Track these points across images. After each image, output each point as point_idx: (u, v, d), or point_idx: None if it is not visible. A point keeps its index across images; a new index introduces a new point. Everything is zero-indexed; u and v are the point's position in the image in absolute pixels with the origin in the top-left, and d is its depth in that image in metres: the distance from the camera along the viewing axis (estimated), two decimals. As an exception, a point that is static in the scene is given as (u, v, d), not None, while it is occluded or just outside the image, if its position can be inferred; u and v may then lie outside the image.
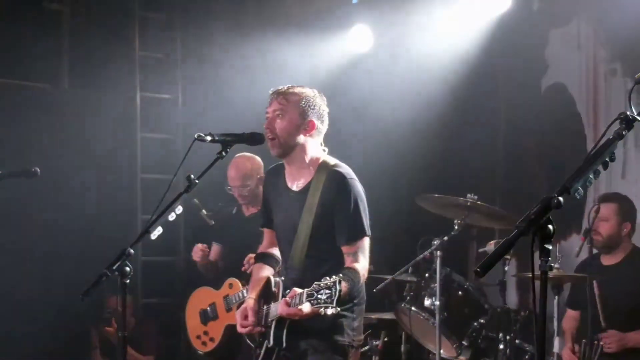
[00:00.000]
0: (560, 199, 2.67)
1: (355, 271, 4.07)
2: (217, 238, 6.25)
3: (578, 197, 2.77)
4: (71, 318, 7.18)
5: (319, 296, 3.78)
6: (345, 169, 4.27)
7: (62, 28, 8.30)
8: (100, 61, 8.26)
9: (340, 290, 3.76)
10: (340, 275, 3.87)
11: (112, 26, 8.42)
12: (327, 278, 3.81)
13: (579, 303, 5.78)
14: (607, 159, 2.82)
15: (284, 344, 4.15)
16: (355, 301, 4.23)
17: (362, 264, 4.14)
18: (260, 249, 4.61)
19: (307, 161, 4.27)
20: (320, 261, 4.22)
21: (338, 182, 4.19)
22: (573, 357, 5.65)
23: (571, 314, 5.94)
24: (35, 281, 7.42)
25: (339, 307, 3.79)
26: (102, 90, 8.32)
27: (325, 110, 4.31)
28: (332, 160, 4.30)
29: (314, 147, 4.29)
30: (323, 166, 4.26)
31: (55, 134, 7.88)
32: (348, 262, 4.14)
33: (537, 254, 2.68)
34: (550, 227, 2.66)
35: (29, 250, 7.52)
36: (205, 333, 5.99)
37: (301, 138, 4.23)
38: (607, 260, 5.78)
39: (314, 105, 4.25)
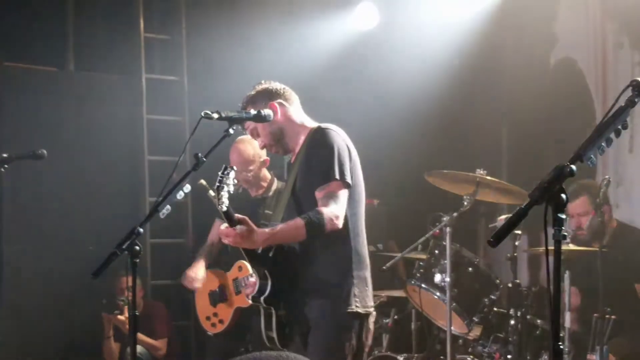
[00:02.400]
0: (573, 167, 2.64)
1: (318, 212, 4.03)
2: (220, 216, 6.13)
3: (591, 166, 2.75)
4: (83, 305, 7.18)
5: (221, 193, 3.99)
6: (328, 126, 4.28)
7: (67, 11, 8.25)
8: (106, 44, 8.25)
9: (227, 172, 3.94)
10: (298, 220, 3.99)
11: (116, 8, 8.39)
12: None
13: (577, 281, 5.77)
14: (619, 127, 2.79)
15: (267, 294, 4.18)
16: (353, 266, 4.18)
17: (330, 208, 4.05)
18: None
19: (300, 134, 4.31)
20: (298, 210, 4.20)
21: (314, 135, 4.24)
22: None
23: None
24: (43, 266, 7.40)
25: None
26: (108, 72, 8.31)
27: (275, 87, 4.38)
28: (320, 125, 4.32)
29: (298, 117, 4.36)
30: (310, 131, 4.31)
31: (62, 117, 7.86)
32: (318, 205, 4.09)
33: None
34: (564, 195, 2.64)
35: (36, 234, 7.50)
36: (215, 315, 5.96)
37: (278, 123, 4.30)
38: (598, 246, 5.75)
39: (261, 92, 4.36)
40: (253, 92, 4.39)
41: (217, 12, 8.50)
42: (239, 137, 5.80)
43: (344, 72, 7.69)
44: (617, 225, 5.85)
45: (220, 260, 6.11)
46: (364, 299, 4.21)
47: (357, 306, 4.16)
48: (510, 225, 2.64)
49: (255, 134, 4.38)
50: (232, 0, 8.51)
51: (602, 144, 2.76)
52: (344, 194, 4.11)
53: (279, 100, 4.33)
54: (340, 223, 4.07)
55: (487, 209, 7.33)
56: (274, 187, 5.86)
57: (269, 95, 4.34)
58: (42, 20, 8.00)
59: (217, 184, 4.01)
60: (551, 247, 2.65)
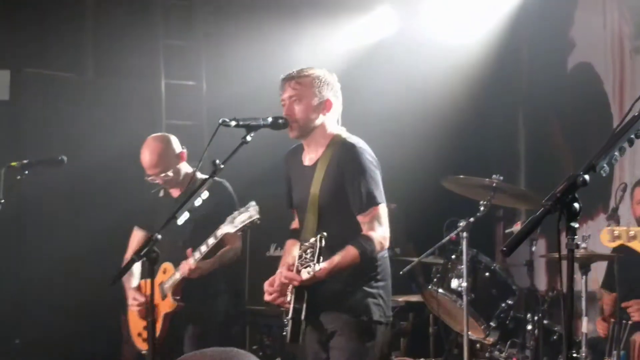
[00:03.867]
0: (586, 176, 2.66)
1: (368, 238, 4.08)
2: (142, 223, 5.69)
3: (604, 175, 2.76)
4: (102, 309, 7.22)
5: (305, 256, 3.85)
6: (355, 140, 4.30)
7: (85, 17, 8.31)
8: (125, 49, 8.28)
9: (321, 247, 3.82)
10: (324, 234, 3.92)
11: (135, 14, 8.43)
12: (314, 238, 3.89)
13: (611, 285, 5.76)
14: (632, 136, 2.80)
15: (303, 316, 4.16)
16: (378, 277, 4.22)
17: (379, 232, 4.14)
18: (292, 225, 4.65)
19: (323, 137, 4.31)
20: (332, 233, 4.22)
21: (346, 152, 4.23)
22: (604, 325, 5.60)
23: (608, 297, 5.88)
24: (62, 272, 7.45)
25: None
26: (127, 78, 8.34)
27: (338, 86, 4.36)
28: (345, 134, 4.33)
29: (331, 124, 4.33)
30: (334, 139, 4.30)
31: (81, 123, 7.91)
32: (364, 230, 4.15)
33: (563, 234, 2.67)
34: (577, 205, 2.65)
35: (56, 240, 7.55)
36: (145, 328, 5.29)
37: (320, 118, 4.27)
38: None
39: (327, 84, 4.30)
40: (322, 74, 4.31)
41: (235, 18, 8.53)
42: (151, 135, 5.64)
43: (361, 77, 7.69)
44: None
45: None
46: (386, 308, 4.27)
47: (380, 316, 4.22)
48: (523, 234, 2.65)
49: (293, 101, 4.27)
50: (250, 6, 8.54)
51: (616, 153, 2.77)
52: (385, 214, 4.23)
53: (337, 103, 4.34)
54: (387, 243, 4.21)
55: (504, 213, 7.33)
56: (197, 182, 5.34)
57: (333, 92, 4.32)
58: (61, 27, 8.04)
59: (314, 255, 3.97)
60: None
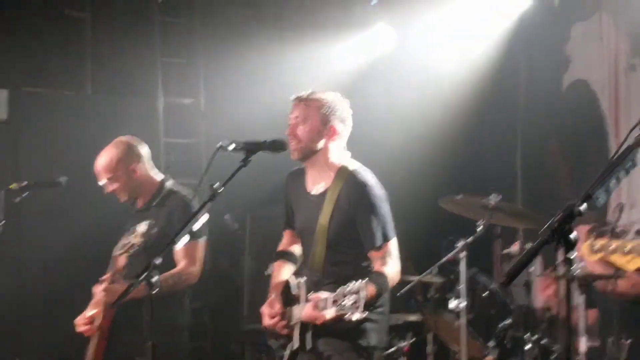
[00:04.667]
0: (583, 207, 2.69)
1: (383, 275, 4.10)
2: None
3: (600, 205, 2.79)
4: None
5: (345, 302, 3.80)
6: (364, 174, 4.30)
7: (84, 35, 8.34)
8: (123, 67, 8.32)
9: (366, 296, 3.78)
10: (367, 279, 3.89)
11: (133, 32, 8.46)
12: (353, 282, 3.83)
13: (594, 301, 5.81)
14: (628, 166, 2.83)
15: (309, 346, 4.18)
16: (377, 303, 4.24)
17: (391, 268, 4.18)
18: (280, 247, 4.65)
19: (327, 165, 4.31)
20: (340, 265, 4.26)
21: (356, 188, 4.24)
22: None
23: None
24: (61, 288, 7.44)
25: (365, 311, 3.82)
26: (125, 95, 8.37)
27: (347, 113, 4.36)
28: (352, 165, 4.33)
29: (336, 151, 4.34)
30: (342, 171, 4.31)
31: (80, 141, 7.92)
32: (377, 266, 4.17)
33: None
34: (573, 235, 2.68)
35: (56, 257, 7.55)
36: None
37: (322, 143, 4.29)
38: None
39: (336, 110, 4.30)
40: (333, 99, 4.32)
41: (234, 36, 8.56)
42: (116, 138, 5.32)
43: (359, 96, 7.72)
44: None
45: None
46: (383, 334, 4.34)
47: (378, 341, 4.28)
48: (522, 265, 2.68)
49: (299, 122, 4.28)
50: (249, 24, 8.58)
51: (612, 183, 2.80)
52: (396, 248, 4.27)
53: (343, 131, 4.34)
54: (399, 278, 4.25)
55: (503, 231, 7.34)
56: (165, 190, 5.21)
57: (340, 119, 4.32)
58: (59, 45, 8.08)
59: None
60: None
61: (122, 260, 4.89)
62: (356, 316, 3.80)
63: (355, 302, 3.77)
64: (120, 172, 5.15)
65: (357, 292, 3.79)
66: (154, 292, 3.92)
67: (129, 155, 5.18)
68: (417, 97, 7.73)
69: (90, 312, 4.99)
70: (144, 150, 5.29)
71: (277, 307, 4.29)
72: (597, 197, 2.76)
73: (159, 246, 4.68)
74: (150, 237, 4.84)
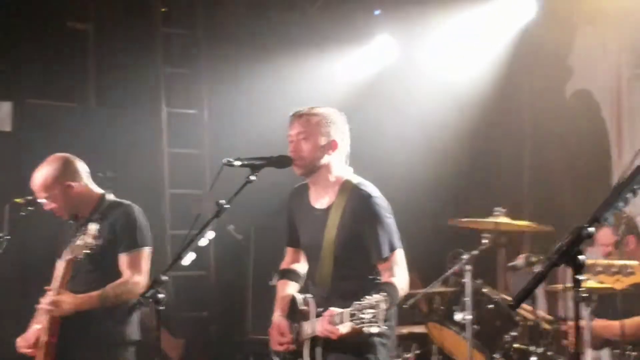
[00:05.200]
0: (591, 229, 2.70)
1: (393, 286, 4.09)
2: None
3: (609, 225, 2.80)
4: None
5: (363, 316, 3.81)
6: (368, 187, 4.30)
7: (87, 47, 8.37)
8: (126, 78, 8.32)
9: (385, 309, 3.80)
10: (384, 294, 3.90)
11: (136, 43, 8.47)
12: (368, 297, 3.83)
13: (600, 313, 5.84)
14: (636, 187, 2.84)
15: None
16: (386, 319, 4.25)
17: (400, 277, 4.16)
18: (283, 265, 4.63)
19: (331, 180, 4.32)
20: (348, 279, 4.25)
21: (361, 201, 4.23)
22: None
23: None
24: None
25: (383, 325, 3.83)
26: (129, 107, 8.38)
27: (346, 127, 4.36)
28: (355, 179, 4.34)
29: (338, 165, 4.34)
30: (346, 185, 4.30)
31: (83, 152, 7.91)
32: (386, 277, 4.17)
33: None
34: (582, 257, 2.69)
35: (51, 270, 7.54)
36: None
37: (326, 158, 4.29)
38: None
39: (335, 124, 4.31)
40: (330, 114, 4.32)
41: (236, 46, 8.58)
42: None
43: (363, 110, 7.77)
44: None
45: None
46: (391, 347, 4.32)
47: (386, 355, 4.24)
48: (530, 288, 2.69)
49: (301, 139, 4.27)
50: (251, 33, 8.59)
51: (620, 204, 2.80)
52: (403, 258, 4.25)
53: (344, 145, 4.34)
54: (408, 288, 4.22)
55: (508, 242, 7.34)
56: (106, 203, 5.03)
57: (340, 133, 4.32)
58: (63, 57, 8.08)
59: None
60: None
61: (66, 272, 4.78)
62: (375, 329, 3.80)
63: (374, 316, 3.78)
64: (56, 190, 4.98)
65: (375, 306, 3.79)
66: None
67: (64, 172, 5.01)
68: (420, 111, 7.75)
69: (35, 326, 4.90)
70: (80, 165, 5.16)
71: (287, 335, 4.30)
72: (606, 218, 2.76)
73: (103, 257, 4.78)
74: (94, 248, 4.82)
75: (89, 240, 4.72)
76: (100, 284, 4.77)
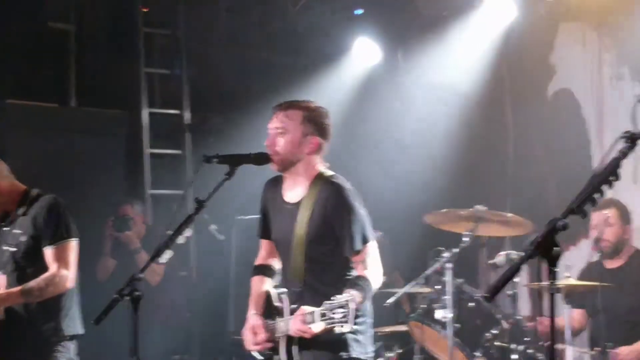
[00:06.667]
0: (566, 221, 2.69)
1: (366, 280, 4.06)
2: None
3: (583, 218, 2.79)
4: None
5: (333, 315, 3.79)
6: (340, 179, 4.27)
7: (68, 47, 8.32)
8: (107, 79, 8.30)
9: (354, 308, 3.77)
10: (353, 288, 3.88)
11: (117, 44, 8.45)
12: (340, 296, 3.81)
13: (582, 304, 5.91)
14: (612, 178, 2.83)
15: (296, 359, 4.16)
16: (358, 314, 4.17)
17: (373, 270, 4.14)
18: (258, 261, 4.59)
19: (305, 175, 4.29)
20: (320, 273, 4.22)
21: (334, 193, 4.19)
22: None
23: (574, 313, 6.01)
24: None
25: (354, 324, 3.81)
26: (109, 107, 8.35)
27: (327, 124, 4.31)
28: (327, 172, 4.31)
29: (315, 161, 4.30)
30: (318, 178, 4.27)
31: (64, 153, 7.90)
32: (359, 270, 4.14)
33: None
34: (557, 249, 2.68)
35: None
36: None
37: (303, 154, 4.25)
38: (610, 264, 5.86)
39: (316, 122, 4.26)
40: (313, 110, 4.27)
41: (218, 47, 8.57)
42: None
43: (348, 108, 7.79)
44: (634, 251, 5.90)
45: None
46: (366, 344, 4.25)
47: (360, 352, 4.20)
48: (505, 279, 2.68)
49: (279, 133, 4.23)
50: (233, 35, 8.58)
51: (596, 195, 2.79)
52: (376, 250, 4.22)
53: (323, 142, 4.29)
54: (381, 280, 4.19)
55: (489, 241, 7.34)
56: (30, 197, 4.97)
57: (320, 131, 4.27)
58: (44, 57, 8.04)
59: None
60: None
61: None
62: (346, 329, 3.79)
63: (344, 315, 3.76)
64: None
65: (345, 305, 3.77)
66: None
67: None
68: (404, 110, 7.75)
69: None
70: (1, 165, 5.12)
71: (262, 334, 4.27)
72: (582, 210, 2.75)
73: (29, 253, 4.77)
74: (19, 245, 4.79)
75: (4, 248, 4.71)
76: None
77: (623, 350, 5.44)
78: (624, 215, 5.84)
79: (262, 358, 4.36)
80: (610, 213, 5.73)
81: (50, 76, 8.11)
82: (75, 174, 7.86)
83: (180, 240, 4.22)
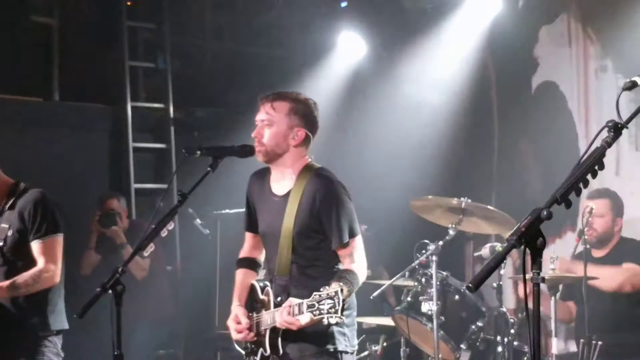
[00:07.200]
0: (550, 210, 2.67)
1: (353, 273, 4.05)
2: None
3: (568, 208, 2.77)
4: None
5: (321, 307, 3.77)
6: (328, 172, 4.25)
7: (51, 41, 8.27)
8: (91, 73, 8.26)
9: (343, 300, 3.75)
10: (340, 281, 3.87)
11: (100, 38, 8.41)
12: (327, 287, 3.79)
13: (571, 295, 5.98)
14: (596, 168, 2.81)
15: (281, 352, 4.14)
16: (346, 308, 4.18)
17: (359, 264, 4.13)
18: (242, 254, 4.56)
19: (292, 167, 4.26)
20: (307, 266, 4.20)
21: (322, 185, 4.17)
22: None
23: (564, 305, 6.09)
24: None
25: (342, 315, 3.79)
26: (93, 101, 8.32)
27: (315, 117, 4.28)
28: (315, 165, 4.28)
29: (302, 154, 4.28)
30: (305, 170, 4.24)
31: (48, 147, 7.86)
32: (346, 263, 4.13)
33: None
34: (541, 239, 2.66)
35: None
36: None
37: (290, 146, 4.22)
38: (597, 253, 5.93)
39: (303, 114, 4.23)
40: (300, 102, 4.22)
41: (202, 40, 8.54)
42: None
43: (335, 104, 7.78)
44: (619, 239, 5.93)
45: None
46: (351, 337, 4.24)
47: (346, 345, 4.19)
48: (489, 270, 2.64)
49: (265, 125, 4.20)
50: (218, 30, 8.55)
51: (579, 185, 2.78)
52: (362, 244, 4.21)
53: (310, 134, 4.25)
54: (367, 272, 4.19)
55: (474, 234, 7.34)
56: (18, 191, 4.94)
57: (307, 123, 4.24)
58: (27, 51, 8.01)
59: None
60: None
61: None
62: (334, 320, 3.77)
63: (332, 307, 3.74)
64: None
65: (332, 297, 3.75)
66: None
67: None
68: (389, 103, 7.73)
69: None
70: None
71: (244, 322, 4.25)
72: (566, 199, 2.74)
73: (16, 247, 4.73)
74: (6, 239, 4.77)
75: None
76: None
77: None
78: (616, 207, 5.85)
79: (247, 350, 4.34)
80: (600, 203, 5.76)
81: (33, 70, 8.06)
82: (59, 169, 7.82)
83: (163, 233, 4.19)
